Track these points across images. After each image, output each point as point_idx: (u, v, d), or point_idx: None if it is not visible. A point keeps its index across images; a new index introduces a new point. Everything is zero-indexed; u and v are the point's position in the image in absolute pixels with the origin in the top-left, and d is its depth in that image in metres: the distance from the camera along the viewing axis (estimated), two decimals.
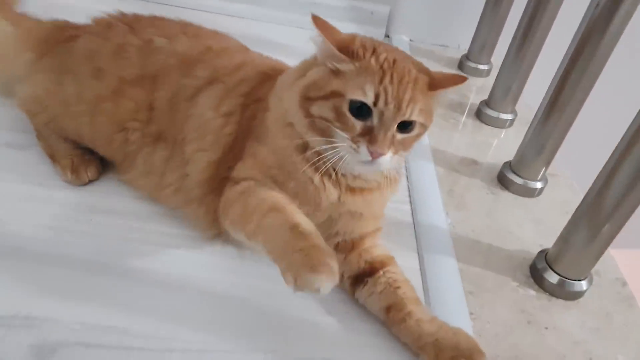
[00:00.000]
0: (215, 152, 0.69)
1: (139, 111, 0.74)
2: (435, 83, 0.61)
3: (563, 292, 0.76)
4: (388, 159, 0.59)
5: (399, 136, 0.60)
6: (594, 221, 0.72)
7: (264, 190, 0.62)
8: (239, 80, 0.72)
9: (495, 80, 1.18)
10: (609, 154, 0.70)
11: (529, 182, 0.98)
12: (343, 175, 0.64)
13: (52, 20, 0.86)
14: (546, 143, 0.93)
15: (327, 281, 0.50)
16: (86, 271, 0.66)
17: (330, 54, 0.58)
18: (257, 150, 0.66)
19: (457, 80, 0.62)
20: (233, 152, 0.68)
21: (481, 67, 1.43)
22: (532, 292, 0.77)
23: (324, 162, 0.60)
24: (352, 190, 0.65)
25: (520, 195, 0.98)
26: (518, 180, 0.98)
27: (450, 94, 1.26)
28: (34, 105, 0.80)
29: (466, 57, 1.46)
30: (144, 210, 0.76)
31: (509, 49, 1.13)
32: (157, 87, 0.74)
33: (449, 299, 0.72)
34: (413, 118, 0.59)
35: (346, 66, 0.58)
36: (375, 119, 0.58)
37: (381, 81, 0.57)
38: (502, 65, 1.16)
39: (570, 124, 0.90)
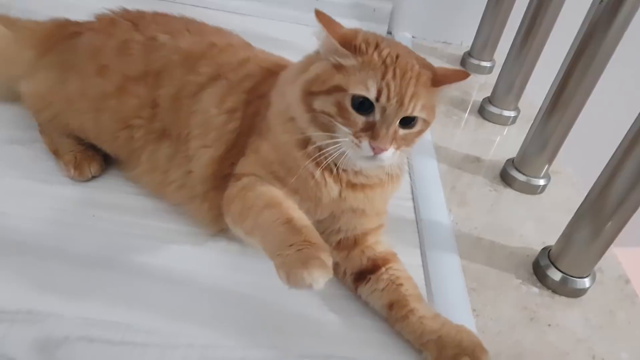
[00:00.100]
0: (218, 149, 0.69)
1: (143, 108, 0.74)
2: (439, 79, 0.61)
3: (566, 290, 0.76)
4: (390, 155, 0.59)
5: (401, 132, 0.59)
6: (597, 219, 0.72)
7: (263, 186, 0.62)
8: (243, 76, 0.72)
9: (498, 77, 1.18)
10: (612, 152, 0.70)
11: (531, 179, 0.98)
12: (344, 170, 0.64)
13: (51, 19, 0.86)
14: (549, 140, 0.93)
15: (320, 276, 0.50)
16: (89, 266, 0.66)
17: (333, 48, 0.58)
18: (259, 146, 0.66)
19: (461, 76, 0.62)
20: (236, 148, 0.68)
21: (484, 64, 1.43)
22: (535, 290, 0.77)
23: (325, 157, 0.60)
24: (353, 186, 0.65)
25: (523, 193, 0.98)
26: (521, 177, 0.98)
27: (453, 90, 1.27)
28: (38, 102, 0.80)
29: (469, 54, 1.45)
30: (147, 206, 0.76)
31: (511, 45, 1.12)
32: (161, 84, 0.74)
33: (451, 296, 0.72)
34: (415, 114, 0.59)
35: (349, 61, 0.58)
36: (377, 115, 0.58)
37: (384, 76, 0.57)
38: (504, 62, 1.15)
39: (573, 121, 0.90)
